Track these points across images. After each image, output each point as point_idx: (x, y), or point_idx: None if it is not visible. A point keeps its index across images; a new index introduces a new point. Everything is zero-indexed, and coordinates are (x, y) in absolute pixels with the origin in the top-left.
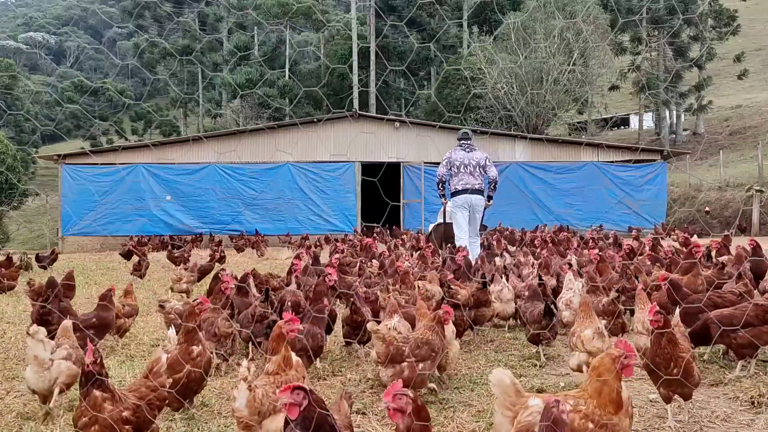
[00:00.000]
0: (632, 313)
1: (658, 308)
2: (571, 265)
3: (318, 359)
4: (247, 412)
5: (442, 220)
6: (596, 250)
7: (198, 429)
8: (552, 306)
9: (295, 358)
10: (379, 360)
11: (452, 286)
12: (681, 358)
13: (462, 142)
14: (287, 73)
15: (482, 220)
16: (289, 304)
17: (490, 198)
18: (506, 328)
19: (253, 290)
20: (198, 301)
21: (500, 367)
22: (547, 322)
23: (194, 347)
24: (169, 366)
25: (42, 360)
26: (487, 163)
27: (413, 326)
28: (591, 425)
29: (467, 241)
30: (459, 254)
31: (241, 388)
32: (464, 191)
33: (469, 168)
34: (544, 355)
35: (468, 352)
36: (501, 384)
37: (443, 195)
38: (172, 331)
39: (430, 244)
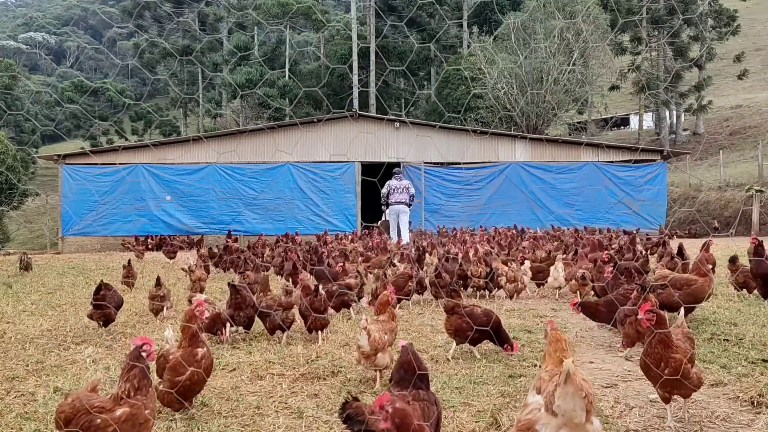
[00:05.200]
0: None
1: (650, 307)
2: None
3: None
4: (369, 348)
5: (384, 219)
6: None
7: (198, 429)
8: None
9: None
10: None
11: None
12: (673, 359)
13: (396, 175)
14: (287, 73)
15: (408, 217)
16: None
17: (410, 205)
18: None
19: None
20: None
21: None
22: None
23: (198, 349)
24: (172, 368)
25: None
26: (409, 187)
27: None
28: None
29: (395, 233)
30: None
31: (363, 334)
32: (395, 203)
33: (399, 190)
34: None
35: (468, 352)
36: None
37: (384, 204)
38: (169, 332)
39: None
